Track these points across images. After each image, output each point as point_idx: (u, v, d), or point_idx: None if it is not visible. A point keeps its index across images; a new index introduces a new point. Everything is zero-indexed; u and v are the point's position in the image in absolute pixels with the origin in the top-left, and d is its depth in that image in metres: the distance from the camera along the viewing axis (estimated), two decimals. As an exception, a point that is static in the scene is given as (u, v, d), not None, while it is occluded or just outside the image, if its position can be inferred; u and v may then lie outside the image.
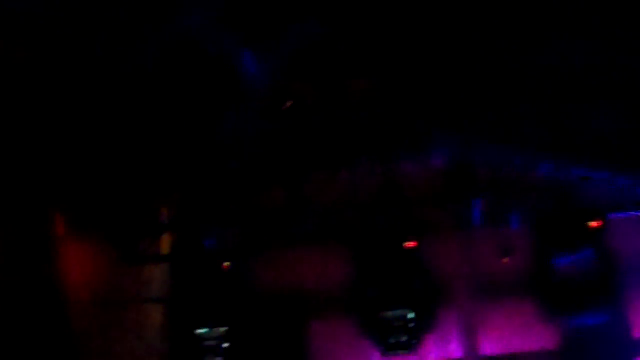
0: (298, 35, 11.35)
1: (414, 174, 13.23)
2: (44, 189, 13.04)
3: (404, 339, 13.25)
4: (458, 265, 13.83)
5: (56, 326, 13.52)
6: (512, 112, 11.98)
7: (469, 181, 13.13)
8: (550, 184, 13.09)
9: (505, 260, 13.72)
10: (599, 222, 13.40)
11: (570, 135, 11.67)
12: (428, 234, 13.39)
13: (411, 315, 13.21)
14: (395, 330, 13.25)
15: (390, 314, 13.21)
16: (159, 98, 12.36)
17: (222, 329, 13.28)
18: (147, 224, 13.69)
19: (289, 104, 12.72)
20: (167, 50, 11.32)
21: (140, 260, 13.74)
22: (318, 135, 12.82)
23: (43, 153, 12.64)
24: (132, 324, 13.88)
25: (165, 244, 13.92)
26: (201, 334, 13.28)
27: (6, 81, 11.51)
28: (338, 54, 12.26)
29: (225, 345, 13.29)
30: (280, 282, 13.93)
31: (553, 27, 10.29)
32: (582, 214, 13.25)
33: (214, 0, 10.71)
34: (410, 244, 13.14)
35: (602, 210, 13.47)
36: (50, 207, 13.52)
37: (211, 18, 10.84)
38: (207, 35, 11.04)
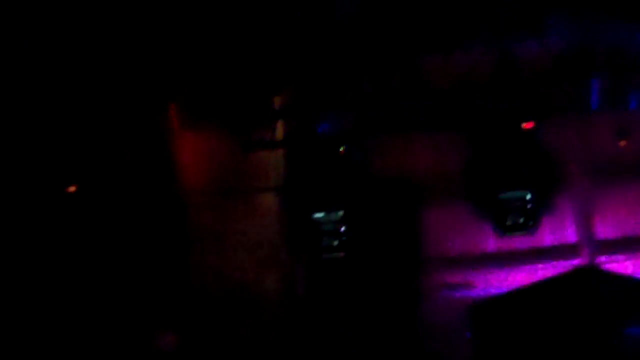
0: None
1: (531, 55, 13.03)
2: (161, 81, 13.24)
3: (521, 220, 13.23)
4: (575, 147, 13.69)
5: (174, 214, 13.85)
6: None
7: (586, 62, 12.91)
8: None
9: (623, 142, 13.56)
10: None
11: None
12: (545, 116, 13.25)
13: (528, 197, 13.16)
14: (512, 212, 13.22)
15: (507, 195, 13.18)
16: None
17: (339, 213, 13.41)
18: (261, 111, 13.79)
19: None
20: None
21: (256, 148, 13.89)
22: (432, 17, 12.71)
23: (160, 47, 12.81)
24: (249, 210, 14.10)
25: (280, 130, 14.03)
26: (318, 218, 13.44)
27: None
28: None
29: (342, 228, 13.44)
30: (396, 167, 13.98)
31: None
32: None
33: None
34: (528, 125, 13.02)
35: None
36: (167, 99, 13.74)
37: None
38: None
